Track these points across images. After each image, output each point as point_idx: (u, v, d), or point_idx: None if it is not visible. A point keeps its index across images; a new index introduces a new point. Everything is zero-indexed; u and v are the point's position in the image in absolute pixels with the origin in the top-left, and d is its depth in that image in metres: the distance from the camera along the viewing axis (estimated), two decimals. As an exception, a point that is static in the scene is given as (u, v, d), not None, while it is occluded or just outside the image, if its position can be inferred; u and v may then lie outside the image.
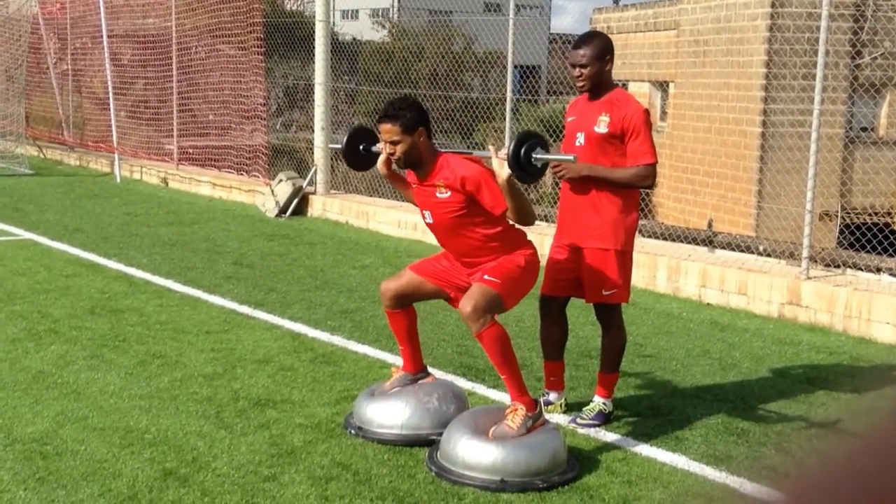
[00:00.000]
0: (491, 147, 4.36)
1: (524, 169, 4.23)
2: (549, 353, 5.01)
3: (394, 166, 4.64)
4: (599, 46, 4.70)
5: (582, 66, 4.70)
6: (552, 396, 5.03)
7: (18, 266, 8.30)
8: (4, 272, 8.03)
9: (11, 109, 16.94)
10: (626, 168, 4.68)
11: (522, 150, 4.20)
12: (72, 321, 6.54)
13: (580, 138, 4.76)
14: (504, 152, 4.22)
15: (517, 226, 4.47)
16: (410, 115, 4.33)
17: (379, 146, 4.73)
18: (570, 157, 4.43)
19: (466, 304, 4.23)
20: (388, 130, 4.35)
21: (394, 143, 4.35)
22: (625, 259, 4.81)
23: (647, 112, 4.72)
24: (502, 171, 4.18)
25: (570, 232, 4.85)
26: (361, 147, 4.90)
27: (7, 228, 10.20)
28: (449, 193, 4.34)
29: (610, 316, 4.90)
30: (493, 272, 4.36)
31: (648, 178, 4.68)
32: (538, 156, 4.25)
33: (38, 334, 6.21)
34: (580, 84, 4.77)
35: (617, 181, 4.68)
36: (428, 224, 4.55)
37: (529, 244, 4.51)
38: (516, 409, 4.27)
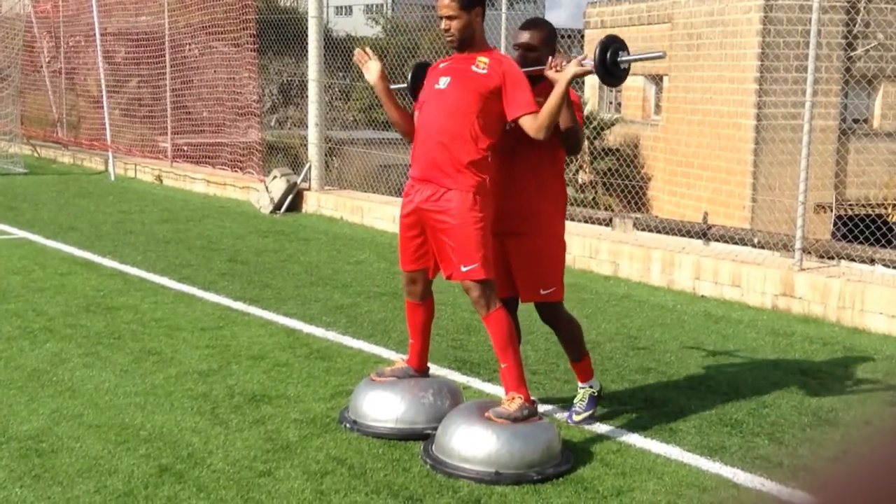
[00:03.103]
0: (564, 61, 4.32)
1: (610, 72, 4.27)
2: None
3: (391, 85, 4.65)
4: (548, 30, 4.65)
5: (528, 49, 4.57)
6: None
7: (13, 265, 8.30)
8: (-1, 271, 8.04)
9: (6, 109, 16.92)
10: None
11: (608, 54, 4.24)
12: (67, 319, 6.55)
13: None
14: (589, 59, 4.27)
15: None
16: None
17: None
18: (660, 54, 4.49)
19: (470, 293, 4.34)
20: (445, 6, 4.28)
21: (450, 18, 4.29)
22: (560, 248, 4.64)
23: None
24: (568, 70, 4.20)
25: (498, 220, 4.47)
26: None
27: (1, 227, 10.19)
28: (485, 71, 4.31)
29: (553, 314, 4.71)
30: (468, 256, 4.25)
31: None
32: (625, 58, 4.28)
33: (33, 332, 6.21)
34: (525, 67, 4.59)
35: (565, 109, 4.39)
36: (433, 92, 4.38)
37: (488, 174, 4.36)
38: (514, 398, 4.29)
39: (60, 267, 8.27)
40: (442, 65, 4.50)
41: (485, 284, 4.30)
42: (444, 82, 4.37)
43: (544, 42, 4.62)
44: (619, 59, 4.25)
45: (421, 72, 4.78)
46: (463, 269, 4.28)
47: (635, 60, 4.36)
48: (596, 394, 4.86)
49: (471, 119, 4.30)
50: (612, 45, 4.25)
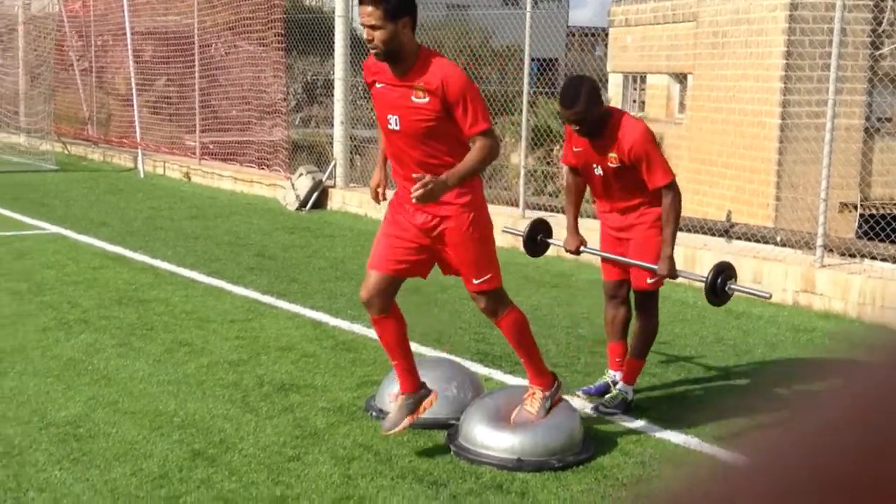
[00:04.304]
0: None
1: (718, 295, 4.70)
2: (616, 335, 5.18)
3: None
4: (587, 95, 4.63)
5: (579, 122, 4.69)
6: (618, 376, 5.14)
7: (47, 259, 8.50)
8: (33, 265, 8.23)
9: (38, 107, 17.19)
10: (665, 208, 4.77)
11: (719, 279, 4.67)
12: (100, 311, 6.72)
13: (598, 169, 4.87)
14: (699, 277, 4.79)
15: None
16: (397, 0, 3.95)
17: (553, 240, 5.24)
18: (767, 294, 4.91)
19: (479, 303, 4.37)
20: (367, 14, 3.93)
21: (373, 27, 3.93)
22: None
23: (646, 132, 4.75)
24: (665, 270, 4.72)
25: (613, 220, 5.02)
26: (539, 237, 5.37)
27: (35, 223, 10.41)
28: (427, 99, 4.00)
29: (648, 301, 5.04)
30: (478, 271, 4.22)
31: (677, 197, 4.79)
32: (734, 286, 4.72)
33: (68, 324, 6.39)
34: (582, 135, 4.80)
35: (676, 223, 4.82)
36: (390, 132, 4.14)
37: (478, 179, 4.31)
38: (534, 394, 4.40)
39: (93, 261, 8.46)
40: (379, 84, 4.15)
41: (494, 294, 4.30)
42: (394, 122, 4.11)
43: (589, 108, 4.64)
44: (727, 286, 4.68)
45: (535, 230, 5.28)
46: (475, 282, 4.26)
47: (741, 292, 4.84)
48: (629, 401, 5.00)
49: (435, 146, 4.09)
50: (724, 273, 4.73)
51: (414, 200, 3.93)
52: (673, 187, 4.76)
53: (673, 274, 4.81)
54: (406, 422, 4.25)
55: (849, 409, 0.42)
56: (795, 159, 17.82)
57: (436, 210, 4.16)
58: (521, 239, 5.56)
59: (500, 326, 4.43)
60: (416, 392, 4.35)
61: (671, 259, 4.79)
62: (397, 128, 4.09)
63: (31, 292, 7.23)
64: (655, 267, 4.79)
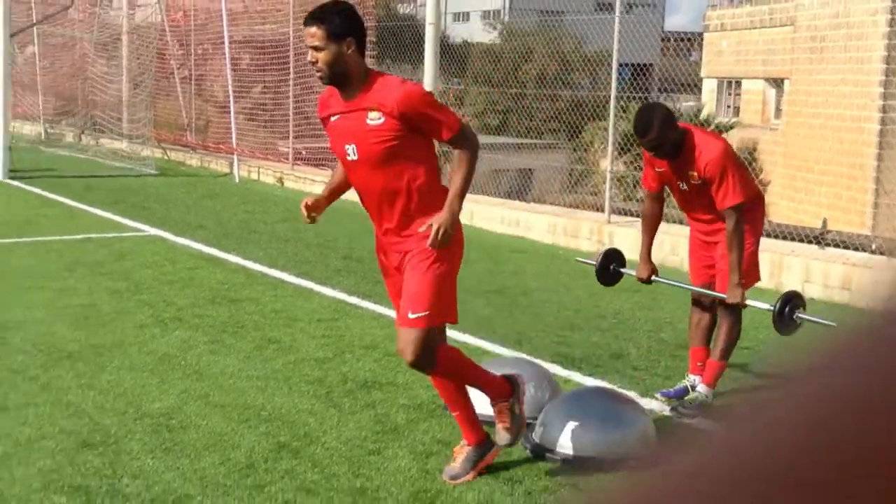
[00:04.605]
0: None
1: (786, 323, 4.74)
2: (700, 339, 5.25)
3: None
4: (660, 122, 4.71)
5: (655, 148, 4.80)
6: (697, 380, 5.17)
7: (146, 259, 8.85)
8: (133, 265, 8.58)
9: (140, 114, 17.83)
10: (729, 233, 4.79)
11: (787, 308, 4.72)
12: (194, 309, 6.98)
13: (683, 185, 4.95)
14: (767, 305, 4.81)
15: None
16: (340, 20, 3.80)
17: (626, 269, 5.34)
18: (834, 324, 4.74)
19: (405, 354, 3.90)
20: (311, 35, 3.79)
21: (317, 49, 3.78)
22: (753, 256, 5.03)
23: (724, 151, 4.80)
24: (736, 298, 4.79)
25: (701, 226, 5.08)
26: (612, 266, 5.49)
27: (136, 225, 10.83)
28: (382, 120, 3.78)
29: (733, 306, 5.05)
30: (418, 303, 3.83)
31: (743, 220, 4.81)
32: (802, 315, 4.75)
33: (164, 321, 6.66)
34: (661, 158, 4.90)
35: (741, 249, 4.81)
36: (350, 163, 3.93)
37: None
38: (501, 410, 4.15)
39: (189, 262, 8.78)
40: (334, 117, 3.96)
41: (423, 337, 3.83)
42: (351, 151, 3.89)
43: (663, 133, 4.72)
44: (795, 315, 4.71)
45: (610, 258, 5.42)
46: (410, 315, 3.84)
47: (809, 321, 4.81)
48: (708, 405, 5.03)
49: (396, 168, 3.86)
50: (792, 302, 4.75)
51: (434, 247, 3.80)
52: (739, 210, 4.78)
53: (742, 303, 4.84)
54: (469, 476, 4.07)
55: (800, 408, 0.40)
56: (894, 166, 17.34)
57: (405, 246, 3.96)
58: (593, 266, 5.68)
59: (439, 374, 4.02)
60: (482, 444, 4.14)
61: (739, 286, 4.82)
62: (355, 157, 3.88)
63: (130, 291, 7.55)
64: (724, 296, 4.85)
